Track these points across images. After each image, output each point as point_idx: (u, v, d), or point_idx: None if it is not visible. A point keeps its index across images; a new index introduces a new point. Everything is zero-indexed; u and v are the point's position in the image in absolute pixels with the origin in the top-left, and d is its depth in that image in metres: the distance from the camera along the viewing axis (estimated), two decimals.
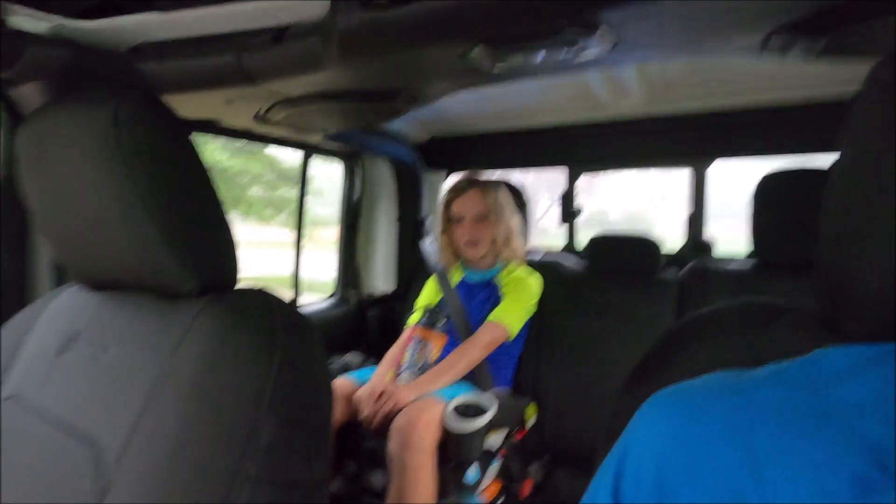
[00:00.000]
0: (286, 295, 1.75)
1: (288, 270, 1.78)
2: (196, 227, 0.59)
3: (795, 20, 0.65)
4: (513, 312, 1.39)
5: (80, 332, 0.65)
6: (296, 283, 1.77)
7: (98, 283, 0.69)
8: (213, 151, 6.12)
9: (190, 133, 0.60)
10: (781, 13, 0.64)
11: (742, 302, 0.48)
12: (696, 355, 0.47)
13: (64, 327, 0.67)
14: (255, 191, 7.31)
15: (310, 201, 1.81)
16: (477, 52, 0.74)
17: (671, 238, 1.69)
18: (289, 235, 1.80)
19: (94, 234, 0.61)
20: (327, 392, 0.62)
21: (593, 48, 0.70)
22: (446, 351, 1.35)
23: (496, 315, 1.38)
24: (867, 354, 0.31)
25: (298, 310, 0.61)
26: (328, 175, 1.90)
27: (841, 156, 0.36)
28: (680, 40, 0.69)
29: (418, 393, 1.20)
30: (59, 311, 0.70)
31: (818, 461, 0.26)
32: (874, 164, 0.32)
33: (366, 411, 1.21)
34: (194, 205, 0.59)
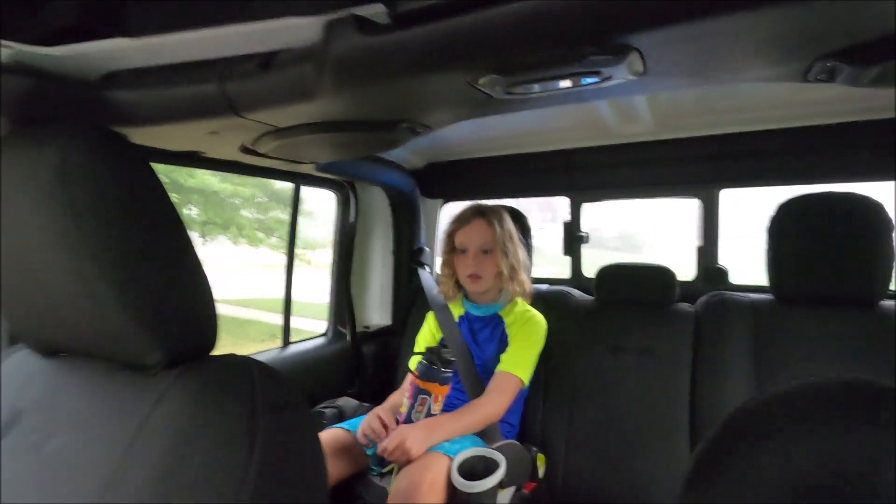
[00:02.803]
0: (277, 320, 1.65)
1: (276, 293, 1.68)
2: (160, 288, 0.50)
3: (845, 46, 0.58)
4: (523, 360, 1.30)
5: (23, 412, 0.55)
6: (286, 313, 1.66)
7: (49, 348, 0.59)
8: (204, 175, 6.05)
9: (154, 178, 0.51)
10: (831, 38, 0.57)
11: (842, 380, 0.39)
12: (782, 449, 0.37)
13: (8, 403, 0.57)
14: (248, 213, 7.23)
15: (301, 222, 1.72)
16: (486, 81, 0.66)
17: (666, 261, 1.62)
18: (279, 258, 1.70)
19: (42, 291, 0.52)
20: (319, 477, 0.52)
21: (619, 77, 0.62)
22: (448, 403, 1.24)
23: (507, 366, 1.29)
24: None
25: (284, 382, 0.52)
26: (319, 197, 1.82)
27: None
28: (716, 66, 0.62)
29: (430, 440, 1.11)
30: (5, 381, 0.60)
31: None
32: None
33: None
34: (158, 260, 0.50)
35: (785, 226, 1.25)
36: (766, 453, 0.38)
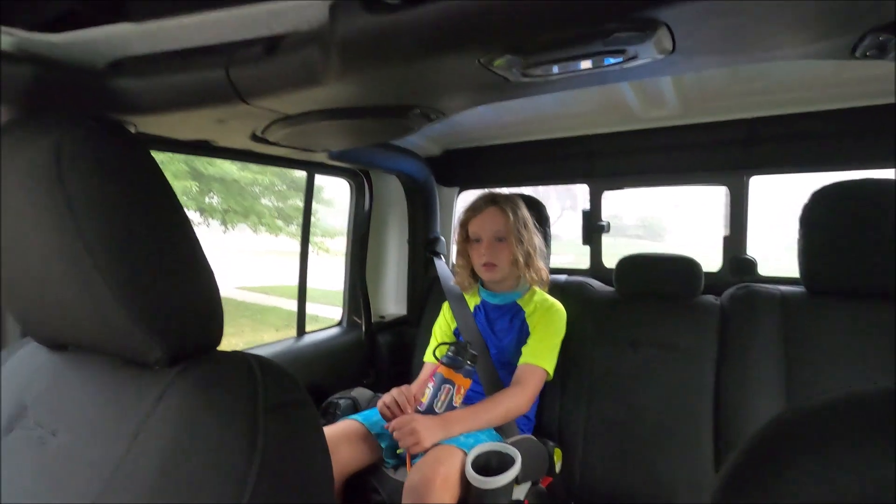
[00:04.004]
0: (293, 306, 1.65)
1: (296, 280, 1.67)
2: (161, 283, 0.48)
3: None
4: (546, 351, 1.27)
5: (28, 408, 0.54)
6: (301, 303, 1.65)
7: (54, 342, 0.58)
8: (223, 162, 6.11)
9: (155, 168, 0.49)
10: (885, 7, 0.51)
11: (890, 389, 0.34)
12: (822, 466, 0.34)
13: (14, 396, 0.56)
14: (267, 201, 7.30)
15: (320, 211, 1.71)
16: (502, 63, 0.62)
17: (686, 248, 1.55)
18: (298, 246, 1.69)
19: (42, 286, 0.50)
20: (323, 476, 0.50)
21: (645, 56, 0.58)
22: (469, 397, 1.22)
23: (531, 357, 1.26)
24: None
25: (288, 379, 0.50)
26: (338, 185, 1.79)
27: None
28: (753, 43, 0.57)
29: (445, 435, 1.08)
30: (13, 374, 0.60)
31: None
32: None
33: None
34: (159, 254, 0.48)
35: (819, 215, 1.18)
36: (803, 471, 0.34)
